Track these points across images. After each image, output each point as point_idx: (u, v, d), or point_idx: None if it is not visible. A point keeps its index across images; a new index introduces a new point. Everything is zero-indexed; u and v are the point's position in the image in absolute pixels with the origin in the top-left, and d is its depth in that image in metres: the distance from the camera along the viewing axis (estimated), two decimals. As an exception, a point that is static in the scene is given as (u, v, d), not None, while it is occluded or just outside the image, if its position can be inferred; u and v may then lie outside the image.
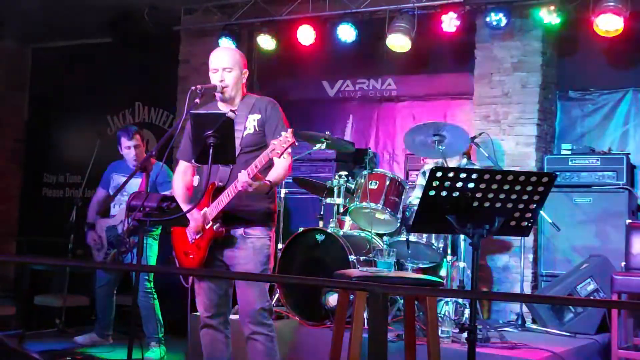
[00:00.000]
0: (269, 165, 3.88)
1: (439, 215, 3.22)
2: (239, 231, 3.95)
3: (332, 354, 3.99)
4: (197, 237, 3.96)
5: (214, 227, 3.88)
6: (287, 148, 3.62)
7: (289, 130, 3.67)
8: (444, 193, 3.14)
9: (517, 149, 6.59)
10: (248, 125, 3.99)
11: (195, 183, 4.50)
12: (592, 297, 5.64)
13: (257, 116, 4.00)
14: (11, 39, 9.31)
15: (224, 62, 3.99)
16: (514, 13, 6.56)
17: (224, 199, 3.84)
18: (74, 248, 6.73)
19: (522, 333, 5.53)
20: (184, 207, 4.03)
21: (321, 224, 5.83)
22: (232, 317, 4.19)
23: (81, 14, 8.05)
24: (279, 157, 3.66)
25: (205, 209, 3.91)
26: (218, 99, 4.05)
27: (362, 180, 5.40)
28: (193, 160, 4.04)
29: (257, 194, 3.83)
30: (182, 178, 4.16)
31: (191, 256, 3.99)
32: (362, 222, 5.53)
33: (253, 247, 3.95)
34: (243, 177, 3.68)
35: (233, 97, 4.03)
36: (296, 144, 3.67)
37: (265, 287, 4.03)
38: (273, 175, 3.88)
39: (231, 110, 3.89)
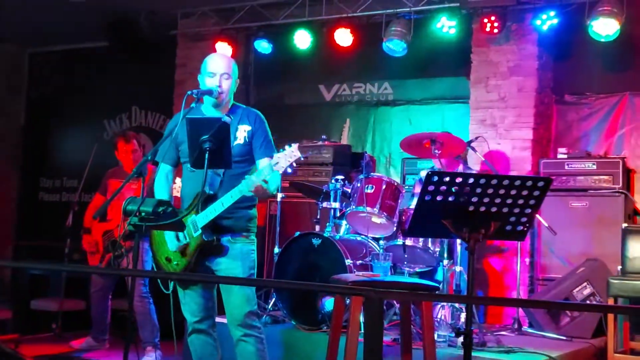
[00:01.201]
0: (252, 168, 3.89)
1: (435, 219, 3.22)
2: (225, 237, 3.94)
3: (328, 358, 3.99)
4: (183, 244, 3.94)
5: (204, 236, 3.86)
6: (292, 162, 3.61)
7: (295, 145, 3.63)
8: (439, 197, 3.14)
9: (513, 153, 6.60)
10: (239, 135, 3.97)
11: (177, 186, 4.47)
12: (588, 301, 5.64)
13: (247, 127, 3.99)
14: (8, 42, 9.31)
15: (223, 68, 3.97)
16: (510, 17, 6.58)
17: (217, 207, 3.82)
18: (71, 252, 6.73)
19: (519, 337, 5.53)
20: None
21: (317, 228, 5.84)
22: (219, 320, 4.17)
23: (78, 18, 8.05)
24: (282, 171, 3.65)
25: (194, 216, 3.90)
26: (211, 103, 4.01)
27: (359, 184, 5.40)
28: (189, 166, 4.03)
29: (261, 197, 3.86)
30: (166, 183, 4.14)
31: (175, 263, 3.96)
32: (358, 226, 5.53)
33: (240, 252, 3.95)
34: (256, 181, 3.67)
35: (225, 104, 4.02)
36: (302, 158, 3.66)
37: (253, 291, 4.01)
38: (272, 185, 3.85)
39: (228, 115, 3.88)
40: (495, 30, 6.55)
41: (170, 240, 3.97)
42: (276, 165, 3.62)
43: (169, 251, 3.98)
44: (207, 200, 3.86)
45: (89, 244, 5.95)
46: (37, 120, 9.78)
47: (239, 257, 3.95)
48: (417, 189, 6.10)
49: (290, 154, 3.60)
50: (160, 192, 4.11)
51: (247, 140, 3.98)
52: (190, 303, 4.04)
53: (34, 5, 7.80)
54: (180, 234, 3.92)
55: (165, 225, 3.71)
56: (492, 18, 6.49)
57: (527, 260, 6.38)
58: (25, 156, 9.84)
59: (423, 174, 6.14)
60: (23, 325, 6.96)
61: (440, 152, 5.37)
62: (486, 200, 3.14)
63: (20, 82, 9.86)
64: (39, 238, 8.92)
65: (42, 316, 7.13)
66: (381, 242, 5.44)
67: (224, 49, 7.45)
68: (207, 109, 4.04)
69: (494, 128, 6.69)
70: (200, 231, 3.86)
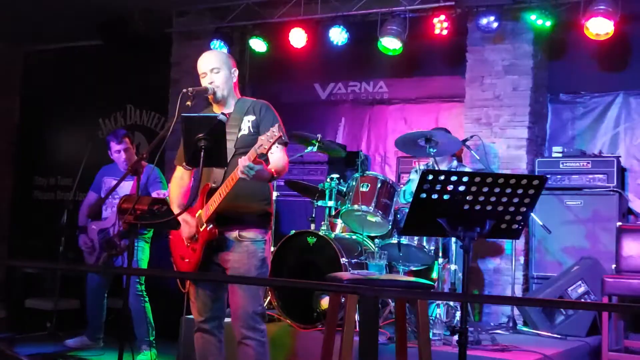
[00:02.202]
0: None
1: (430, 218, 3.22)
2: (234, 234, 3.91)
3: (323, 356, 3.99)
4: (194, 239, 3.95)
5: (208, 229, 3.86)
6: (274, 142, 3.57)
7: (276, 125, 3.62)
8: (435, 196, 3.14)
9: (508, 151, 6.61)
10: (243, 126, 3.97)
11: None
12: (582, 300, 5.66)
13: (252, 117, 3.99)
14: (2, 41, 9.28)
15: (211, 64, 3.98)
16: (505, 16, 6.58)
17: (217, 198, 3.82)
18: (65, 251, 6.71)
19: (513, 335, 5.55)
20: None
21: (313, 226, 5.84)
22: (226, 320, 4.18)
23: (73, 16, 8.03)
24: (266, 153, 3.63)
25: (200, 211, 3.90)
26: (212, 101, 4.04)
27: (354, 183, 5.40)
28: (184, 164, 4.04)
29: (259, 180, 3.75)
30: (179, 184, 4.15)
31: (187, 260, 3.97)
32: (353, 224, 5.54)
33: (247, 250, 3.91)
34: (242, 162, 3.61)
35: (226, 97, 4.01)
36: (283, 137, 3.62)
37: (258, 291, 3.98)
38: (274, 165, 3.82)
39: (222, 113, 3.88)
40: (491, 29, 6.55)
41: (185, 237, 4.00)
42: (260, 147, 3.60)
43: (184, 248, 3.99)
44: (211, 194, 3.87)
45: (85, 243, 5.94)
46: (32, 119, 9.75)
47: (245, 254, 3.91)
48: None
49: (272, 134, 3.58)
50: (175, 194, 4.12)
51: (252, 130, 3.96)
52: (197, 302, 4.04)
53: (29, 4, 7.77)
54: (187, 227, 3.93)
55: (160, 223, 3.71)
56: (487, 17, 6.49)
57: (522, 258, 6.40)
58: (19, 154, 9.81)
59: (422, 166, 6.17)
60: (18, 324, 6.95)
61: (435, 150, 5.37)
62: (481, 198, 3.14)
63: (14, 81, 9.84)
64: (33, 237, 8.90)
65: (36, 315, 7.12)
66: (376, 240, 5.44)
67: (219, 47, 7.45)
68: (215, 107, 4.06)
69: (489, 127, 6.70)
70: (205, 224, 3.87)
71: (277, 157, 3.86)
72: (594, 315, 5.52)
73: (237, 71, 4.09)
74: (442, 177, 3.11)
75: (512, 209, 3.20)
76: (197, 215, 3.91)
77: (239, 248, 3.92)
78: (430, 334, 4.50)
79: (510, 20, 6.64)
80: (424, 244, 5.31)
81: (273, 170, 3.80)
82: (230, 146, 3.83)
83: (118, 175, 5.75)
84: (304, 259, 5.35)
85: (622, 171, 6.30)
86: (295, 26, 7.27)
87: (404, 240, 5.27)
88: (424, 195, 3.15)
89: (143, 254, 5.79)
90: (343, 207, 5.42)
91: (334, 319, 4.04)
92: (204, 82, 3.98)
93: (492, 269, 6.55)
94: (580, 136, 6.78)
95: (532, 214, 5.57)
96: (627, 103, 6.60)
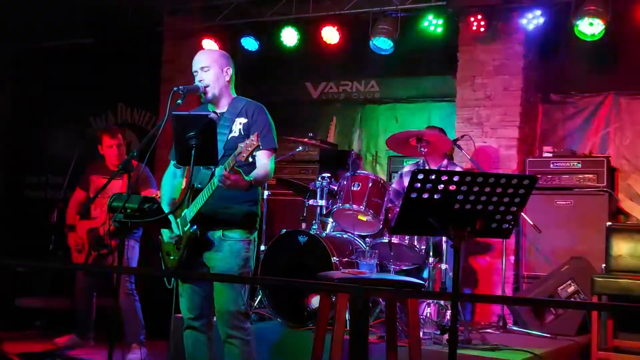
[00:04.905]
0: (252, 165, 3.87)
1: (420, 217, 3.22)
2: (217, 233, 3.93)
3: (314, 355, 3.99)
4: (176, 237, 3.95)
5: (191, 230, 3.87)
6: (252, 151, 3.59)
7: (255, 133, 3.62)
8: (425, 195, 3.15)
9: (499, 151, 6.62)
10: (234, 128, 3.96)
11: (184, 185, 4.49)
12: (572, 299, 5.68)
13: (244, 120, 3.98)
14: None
15: (201, 62, 3.98)
16: (496, 16, 6.60)
17: (200, 199, 3.83)
18: (55, 249, 6.68)
19: (504, 334, 5.56)
20: (168, 209, 4.02)
21: (304, 225, 5.84)
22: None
23: (64, 14, 8.00)
24: (245, 160, 3.63)
25: (185, 210, 3.90)
26: (204, 100, 4.03)
27: (345, 182, 5.40)
28: (174, 162, 4.03)
29: (235, 189, 3.76)
30: (171, 181, 4.15)
31: (171, 257, 3.98)
32: (344, 223, 5.54)
33: (231, 249, 3.92)
34: (219, 172, 3.66)
35: (217, 97, 4.00)
36: (261, 147, 3.63)
37: (241, 290, 3.95)
38: (254, 174, 3.84)
39: (214, 112, 3.88)
40: (482, 29, 6.57)
41: (166, 235, 4.00)
42: (239, 155, 3.60)
43: (169, 245, 3.99)
44: (196, 194, 3.87)
45: (75, 241, 5.92)
46: (23, 117, 9.70)
47: (228, 253, 3.92)
48: (395, 186, 6.13)
49: (251, 142, 3.59)
50: (165, 190, 4.13)
51: (242, 133, 3.94)
52: (186, 299, 4.04)
53: (20, 2, 7.74)
54: (175, 228, 3.92)
55: (151, 221, 3.70)
56: (479, 17, 6.51)
57: (512, 258, 6.42)
58: (10, 153, 9.76)
59: (406, 169, 6.18)
60: (7, 323, 6.92)
61: (426, 150, 5.38)
62: (472, 198, 3.15)
63: (4, 79, 9.78)
64: (23, 235, 8.85)
65: (26, 313, 7.09)
66: (367, 239, 5.45)
67: (210, 46, 7.44)
68: (210, 106, 4.05)
69: (480, 126, 6.72)
70: (188, 225, 3.87)
71: (261, 164, 3.88)
72: (583, 314, 5.55)
73: (230, 70, 4.07)
74: (433, 177, 3.11)
75: (502, 208, 3.21)
76: (182, 215, 3.91)
77: (222, 247, 3.93)
78: (421, 333, 4.51)
79: (501, 20, 6.66)
80: (415, 243, 5.31)
81: (252, 179, 3.79)
82: (219, 147, 3.82)
83: (106, 174, 5.74)
84: (295, 258, 5.34)
85: (612, 171, 6.32)
86: (287, 25, 7.27)
87: (395, 239, 5.27)
88: (414, 194, 3.15)
89: (133, 253, 5.78)
90: (334, 206, 5.42)
91: (324, 318, 4.04)
92: (196, 80, 3.98)
93: (483, 268, 6.56)
94: (571, 136, 6.81)
95: (522, 214, 5.60)
96: (617, 103, 6.63)
